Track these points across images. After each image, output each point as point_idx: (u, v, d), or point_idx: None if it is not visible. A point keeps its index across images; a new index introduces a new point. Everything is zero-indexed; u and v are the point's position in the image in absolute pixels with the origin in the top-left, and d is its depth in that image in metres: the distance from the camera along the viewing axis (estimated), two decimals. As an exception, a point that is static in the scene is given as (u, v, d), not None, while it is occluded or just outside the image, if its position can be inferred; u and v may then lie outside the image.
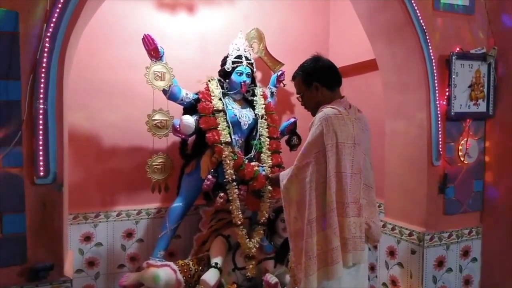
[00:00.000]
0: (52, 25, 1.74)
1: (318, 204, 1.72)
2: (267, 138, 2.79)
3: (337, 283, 1.74)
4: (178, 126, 2.58)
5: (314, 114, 1.90)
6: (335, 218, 1.72)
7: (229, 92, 2.79)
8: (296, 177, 1.77)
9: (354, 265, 1.79)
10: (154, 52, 2.45)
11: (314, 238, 1.71)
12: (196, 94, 2.71)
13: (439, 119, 2.43)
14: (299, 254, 1.76)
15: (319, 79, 1.89)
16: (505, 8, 2.52)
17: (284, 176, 1.87)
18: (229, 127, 2.65)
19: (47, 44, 1.73)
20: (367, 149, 1.92)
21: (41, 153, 1.74)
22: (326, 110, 1.79)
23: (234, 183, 2.59)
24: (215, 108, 2.65)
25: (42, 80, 1.73)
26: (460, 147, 2.52)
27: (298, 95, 1.99)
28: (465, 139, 2.53)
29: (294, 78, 1.98)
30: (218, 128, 2.61)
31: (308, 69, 1.92)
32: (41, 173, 1.74)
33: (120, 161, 2.90)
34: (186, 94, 2.67)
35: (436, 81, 2.41)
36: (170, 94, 2.58)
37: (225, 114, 2.67)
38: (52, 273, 1.78)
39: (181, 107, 2.73)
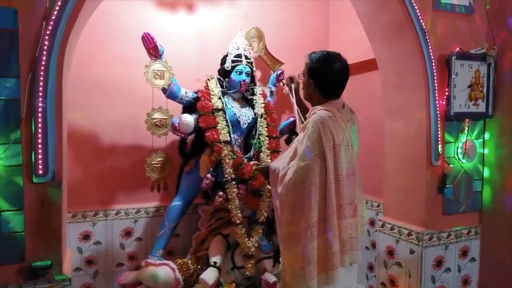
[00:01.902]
0: (51, 23, 1.73)
1: (319, 208, 1.71)
2: (266, 137, 2.79)
3: (332, 284, 1.75)
4: (177, 125, 2.58)
5: (304, 98, 1.96)
6: (336, 221, 1.72)
7: (228, 91, 2.78)
8: (293, 182, 1.73)
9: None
10: (153, 50, 2.45)
11: (315, 243, 1.70)
12: (196, 93, 2.71)
13: (439, 119, 2.43)
14: (292, 258, 1.75)
15: (317, 82, 1.86)
16: (505, 8, 2.53)
17: (275, 175, 1.84)
18: (228, 126, 2.65)
19: (46, 42, 1.73)
20: (357, 150, 1.92)
21: (40, 151, 1.73)
22: (320, 113, 1.77)
23: (233, 182, 2.59)
24: (214, 107, 2.64)
25: (41, 78, 1.72)
26: (459, 147, 2.52)
27: (300, 73, 1.97)
28: (464, 139, 2.53)
29: (307, 56, 1.92)
30: (218, 127, 2.61)
31: (314, 64, 1.86)
32: (40, 172, 1.74)
33: (119, 160, 2.90)
34: (186, 92, 2.66)
35: (435, 81, 2.41)
36: (169, 93, 2.57)
37: (225, 113, 2.67)
38: (51, 271, 1.78)
39: (180, 106, 2.73)
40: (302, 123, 1.96)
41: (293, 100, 2.23)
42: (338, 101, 1.87)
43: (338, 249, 1.72)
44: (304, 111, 2.16)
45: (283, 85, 3.11)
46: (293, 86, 2.28)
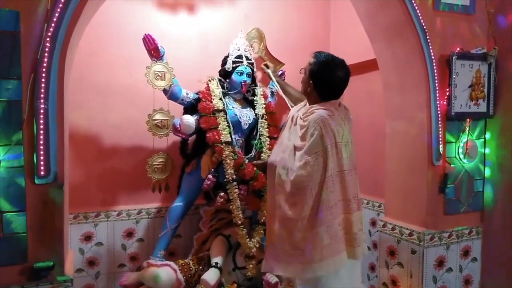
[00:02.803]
0: (53, 24, 1.74)
1: (314, 202, 1.77)
2: (267, 138, 2.79)
3: (334, 277, 1.81)
4: (178, 126, 2.58)
5: (301, 92, 2.05)
6: (329, 217, 1.78)
7: (229, 92, 2.79)
8: (293, 178, 1.79)
9: (349, 259, 1.85)
10: (154, 52, 2.46)
11: (300, 234, 1.76)
12: (197, 93, 2.72)
13: (440, 119, 2.43)
14: (276, 238, 1.84)
15: (316, 84, 1.91)
16: (506, 8, 2.52)
17: (273, 168, 1.89)
18: (229, 127, 2.66)
19: (47, 44, 1.73)
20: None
21: (41, 152, 1.74)
22: (320, 112, 1.82)
23: (235, 183, 2.59)
24: (215, 108, 2.65)
25: (43, 80, 1.73)
26: (460, 147, 2.52)
27: (303, 68, 2.01)
28: (466, 139, 2.53)
29: (313, 54, 1.96)
30: (219, 128, 2.61)
31: (317, 67, 1.91)
32: (42, 173, 1.74)
33: (121, 161, 2.90)
34: (187, 93, 2.67)
35: (436, 81, 2.41)
36: (170, 94, 2.58)
37: (226, 113, 2.68)
38: (53, 272, 1.78)
39: (181, 107, 2.73)
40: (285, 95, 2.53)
41: (275, 81, 2.69)
42: (335, 100, 1.91)
43: (329, 243, 1.77)
44: (285, 87, 2.63)
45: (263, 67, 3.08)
46: (269, 71, 2.75)
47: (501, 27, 2.53)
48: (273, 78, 2.71)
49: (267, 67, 2.77)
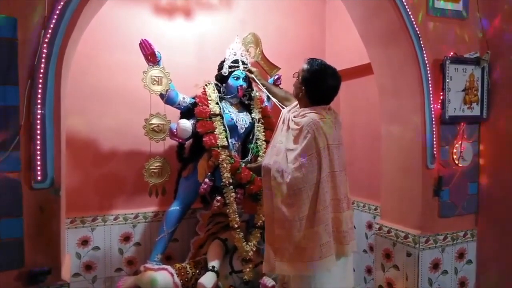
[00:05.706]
0: (50, 31, 1.76)
1: (311, 203, 1.82)
2: (263, 142, 2.81)
3: (327, 275, 1.86)
4: (175, 130, 2.60)
5: (293, 95, 2.12)
6: (327, 216, 1.83)
7: (226, 96, 2.81)
8: (289, 180, 1.83)
9: (341, 257, 1.90)
10: (151, 57, 2.47)
11: (300, 233, 1.81)
12: (193, 98, 2.73)
13: (434, 122, 2.46)
14: (276, 238, 1.87)
15: (308, 90, 1.96)
16: (498, 12, 2.55)
17: (268, 171, 1.92)
18: (226, 131, 2.67)
19: (45, 50, 1.75)
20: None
21: (38, 157, 1.75)
22: (312, 116, 1.88)
23: (231, 187, 2.60)
24: (212, 112, 2.66)
25: (40, 86, 1.74)
26: (454, 150, 2.54)
27: (296, 72, 2.05)
28: (460, 142, 2.55)
29: (306, 61, 2.01)
30: (215, 132, 2.62)
31: (310, 75, 1.96)
32: (39, 178, 1.75)
33: (118, 165, 2.91)
34: (183, 98, 2.68)
35: (430, 85, 2.44)
36: (167, 99, 2.59)
37: (222, 118, 2.69)
38: (50, 277, 1.79)
39: (178, 111, 2.74)
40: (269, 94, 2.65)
41: (261, 85, 2.74)
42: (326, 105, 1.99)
43: (328, 241, 1.82)
44: (270, 88, 2.72)
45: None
46: (253, 75, 2.78)
47: (498, 31, 2.55)
48: (258, 81, 2.75)
49: (251, 72, 2.78)
